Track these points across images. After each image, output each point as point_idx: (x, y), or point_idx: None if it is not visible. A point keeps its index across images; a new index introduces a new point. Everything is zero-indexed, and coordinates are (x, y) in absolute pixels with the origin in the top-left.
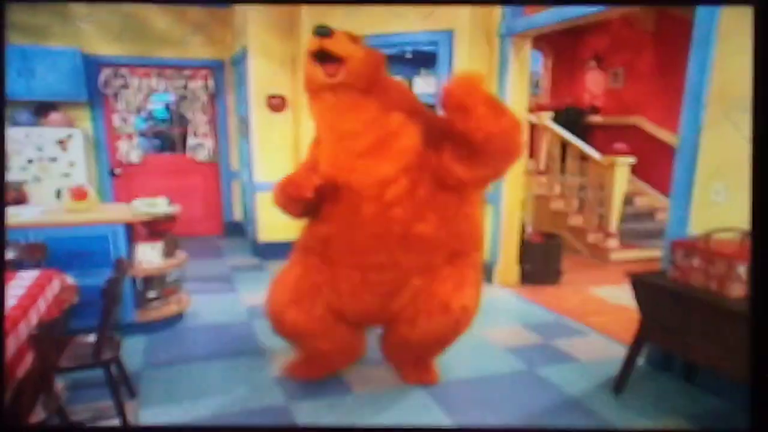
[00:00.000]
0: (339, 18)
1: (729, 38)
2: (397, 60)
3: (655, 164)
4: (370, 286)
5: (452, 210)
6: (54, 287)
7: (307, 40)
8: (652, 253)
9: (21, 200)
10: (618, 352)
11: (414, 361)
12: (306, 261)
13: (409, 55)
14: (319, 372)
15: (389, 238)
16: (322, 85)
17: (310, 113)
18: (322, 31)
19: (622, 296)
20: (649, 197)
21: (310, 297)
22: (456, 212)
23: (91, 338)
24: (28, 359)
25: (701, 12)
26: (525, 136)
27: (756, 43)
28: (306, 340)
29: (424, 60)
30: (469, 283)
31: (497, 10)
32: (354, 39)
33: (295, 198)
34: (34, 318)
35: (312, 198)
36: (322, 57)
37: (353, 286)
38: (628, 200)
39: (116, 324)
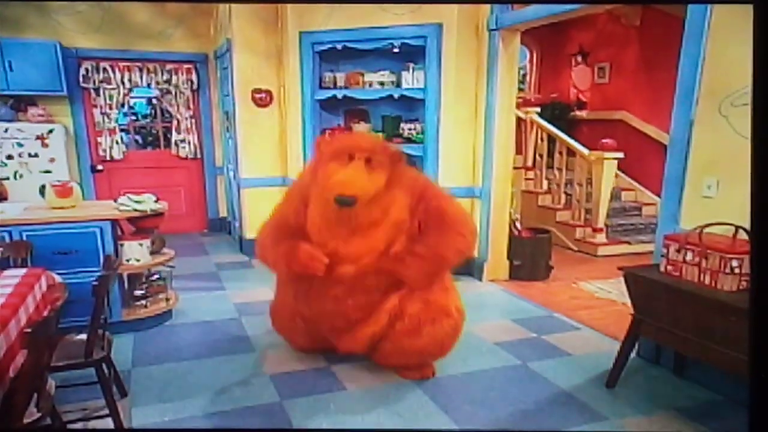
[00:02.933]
0: (325, 11)
1: (720, 33)
2: (384, 54)
3: (642, 159)
4: (346, 309)
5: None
6: (42, 285)
7: (293, 35)
8: (640, 248)
9: (1, 197)
10: (608, 345)
11: (417, 365)
12: (299, 311)
13: (396, 50)
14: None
15: (365, 290)
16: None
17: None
18: (347, 203)
19: (611, 291)
20: (635, 192)
21: (306, 329)
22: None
23: (82, 337)
24: (20, 359)
25: (693, 7)
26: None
27: (756, 41)
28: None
29: (412, 54)
30: (451, 286)
31: (485, 5)
32: (376, 156)
33: (304, 272)
34: (23, 317)
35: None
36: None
37: (333, 327)
38: (615, 195)
39: (106, 322)
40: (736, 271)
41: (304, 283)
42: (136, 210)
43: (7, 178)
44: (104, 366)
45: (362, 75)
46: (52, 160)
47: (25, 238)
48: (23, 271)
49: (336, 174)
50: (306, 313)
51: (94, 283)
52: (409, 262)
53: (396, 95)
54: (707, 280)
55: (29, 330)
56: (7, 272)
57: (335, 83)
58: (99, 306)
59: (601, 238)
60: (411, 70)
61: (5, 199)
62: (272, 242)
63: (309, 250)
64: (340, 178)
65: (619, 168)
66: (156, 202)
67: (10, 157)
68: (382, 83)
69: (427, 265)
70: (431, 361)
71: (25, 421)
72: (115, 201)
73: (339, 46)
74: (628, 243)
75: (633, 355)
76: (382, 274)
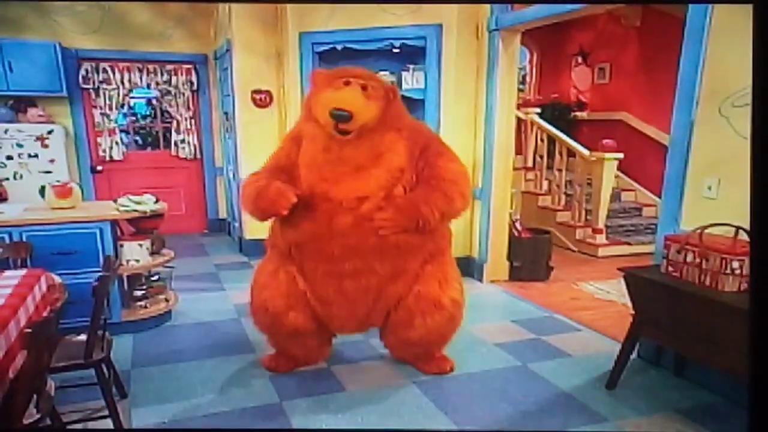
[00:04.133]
0: (325, 11)
1: (721, 33)
2: (384, 54)
3: (642, 160)
4: (347, 294)
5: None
6: (42, 286)
7: (293, 36)
8: (640, 248)
9: (1, 198)
10: (608, 346)
11: (425, 356)
12: (287, 267)
13: (396, 50)
14: (287, 366)
15: (363, 248)
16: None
17: (303, 110)
18: (341, 117)
19: (611, 291)
20: (635, 193)
21: (302, 301)
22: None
23: (81, 338)
24: (19, 360)
25: (693, 7)
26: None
27: (755, 41)
28: (303, 339)
29: (412, 54)
30: (452, 277)
31: (486, 5)
32: (371, 85)
33: (268, 214)
34: (23, 318)
35: (284, 214)
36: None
37: (332, 295)
38: (615, 196)
39: (106, 323)
40: (737, 272)
41: (301, 245)
42: (135, 211)
43: (7, 179)
44: (104, 367)
45: None
46: (51, 160)
47: (24, 238)
48: (23, 271)
49: (332, 94)
50: (301, 285)
51: (94, 283)
52: (384, 208)
53: None
54: (708, 281)
55: (29, 330)
56: (6, 273)
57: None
58: (99, 307)
59: (601, 238)
60: (411, 71)
61: (5, 199)
62: (253, 182)
63: (278, 185)
64: (336, 96)
65: (619, 169)
66: (156, 202)
67: (9, 157)
68: None
69: (400, 216)
70: (435, 351)
71: (25, 421)
72: (115, 201)
73: (339, 47)
74: (629, 244)
75: (633, 356)
76: (382, 235)
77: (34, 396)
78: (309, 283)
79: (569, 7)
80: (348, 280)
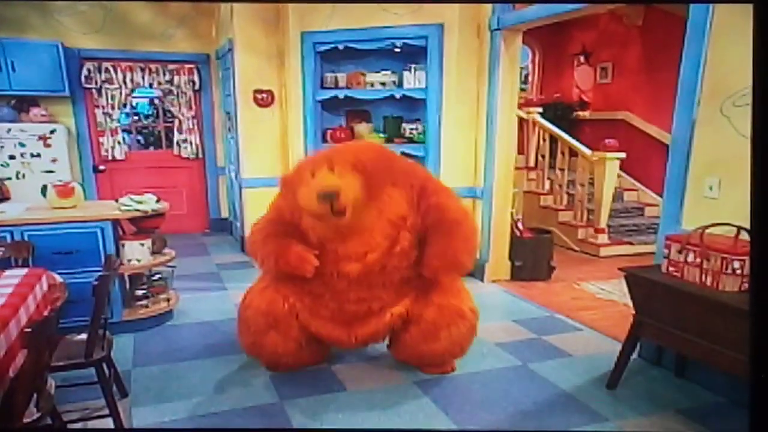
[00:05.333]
0: (326, 11)
1: (722, 33)
2: (385, 54)
3: (644, 159)
4: (347, 315)
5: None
6: (43, 285)
7: (294, 35)
8: (642, 248)
9: (4, 197)
10: (609, 346)
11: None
12: (279, 286)
13: (397, 50)
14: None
15: (369, 284)
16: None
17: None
18: (332, 196)
19: (613, 291)
20: (638, 193)
21: (286, 320)
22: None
23: (82, 337)
24: (20, 359)
25: (695, 6)
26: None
27: (755, 41)
28: (281, 360)
29: (413, 54)
30: (462, 287)
31: (487, 5)
32: (336, 164)
33: (291, 274)
34: (24, 317)
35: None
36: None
37: (331, 313)
38: (617, 196)
39: (106, 322)
40: (738, 272)
41: (305, 279)
42: (137, 210)
43: (10, 178)
44: (104, 366)
45: (364, 75)
46: (54, 160)
47: (26, 238)
48: (24, 271)
49: (310, 184)
50: (299, 307)
51: (94, 283)
52: (426, 263)
53: (397, 95)
54: (709, 281)
55: (29, 330)
56: (7, 272)
57: (337, 83)
58: (99, 306)
59: (603, 238)
60: (412, 70)
61: (8, 199)
62: (263, 238)
63: (299, 251)
64: (315, 182)
65: (621, 168)
66: (157, 202)
67: (12, 157)
68: (383, 83)
69: (445, 268)
70: (450, 362)
71: (25, 420)
72: (117, 201)
73: (340, 47)
74: (631, 243)
75: (634, 356)
76: (388, 273)
77: (35, 395)
78: (311, 303)
79: (570, 6)
80: (351, 305)
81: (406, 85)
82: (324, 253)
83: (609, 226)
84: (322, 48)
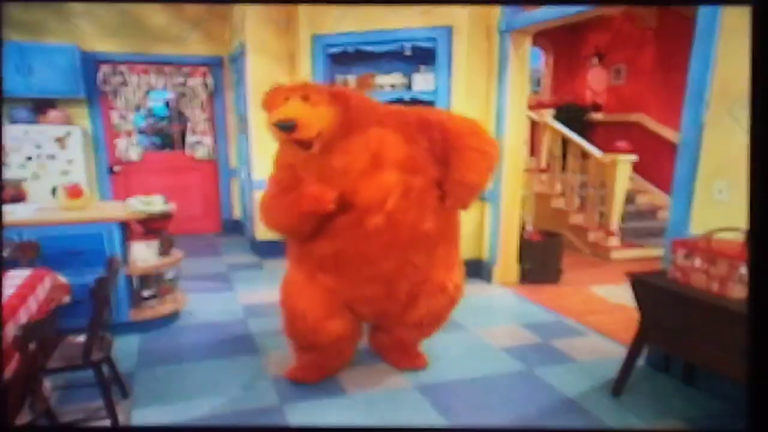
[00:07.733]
0: (336, 14)
1: (731, 35)
2: (395, 56)
3: (657, 162)
4: (397, 295)
5: (439, 202)
6: (45, 286)
7: (305, 38)
8: (654, 252)
9: (19, 198)
10: (617, 352)
11: (403, 348)
12: (319, 281)
13: (407, 52)
14: (317, 375)
15: (399, 243)
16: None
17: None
18: (287, 128)
19: (623, 295)
20: (651, 195)
21: (340, 309)
22: (442, 203)
23: (82, 338)
24: (15, 360)
25: (703, 8)
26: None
27: (754, 43)
28: (341, 345)
29: (423, 56)
30: (457, 263)
31: (496, 6)
32: (312, 94)
33: (313, 212)
34: (23, 317)
35: (331, 210)
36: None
37: (379, 299)
38: (629, 198)
39: (108, 323)
40: (745, 278)
41: (337, 256)
42: (144, 211)
43: (26, 180)
44: (103, 367)
45: (374, 77)
46: (70, 161)
47: (33, 239)
48: (28, 271)
49: (273, 113)
50: (330, 283)
51: (92, 285)
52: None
53: (407, 97)
54: (716, 288)
55: (18, 332)
56: (12, 272)
57: (347, 85)
58: (97, 308)
59: (614, 241)
60: (422, 73)
61: (23, 199)
62: (276, 200)
63: (312, 189)
64: (276, 112)
65: (635, 171)
66: (165, 203)
67: (29, 158)
68: (393, 85)
69: (459, 201)
70: (428, 334)
71: (19, 422)
72: (125, 202)
73: (351, 49)
74: (641, 247)
75: (641, 362)
76: (416, 228)
77: (29, 396)
78: (350, 287)
79: (577, 8)
80: (394, 283)
81: (415, 87)
82: (341, 211)
83: (621, 229)
84: (333, 50)
